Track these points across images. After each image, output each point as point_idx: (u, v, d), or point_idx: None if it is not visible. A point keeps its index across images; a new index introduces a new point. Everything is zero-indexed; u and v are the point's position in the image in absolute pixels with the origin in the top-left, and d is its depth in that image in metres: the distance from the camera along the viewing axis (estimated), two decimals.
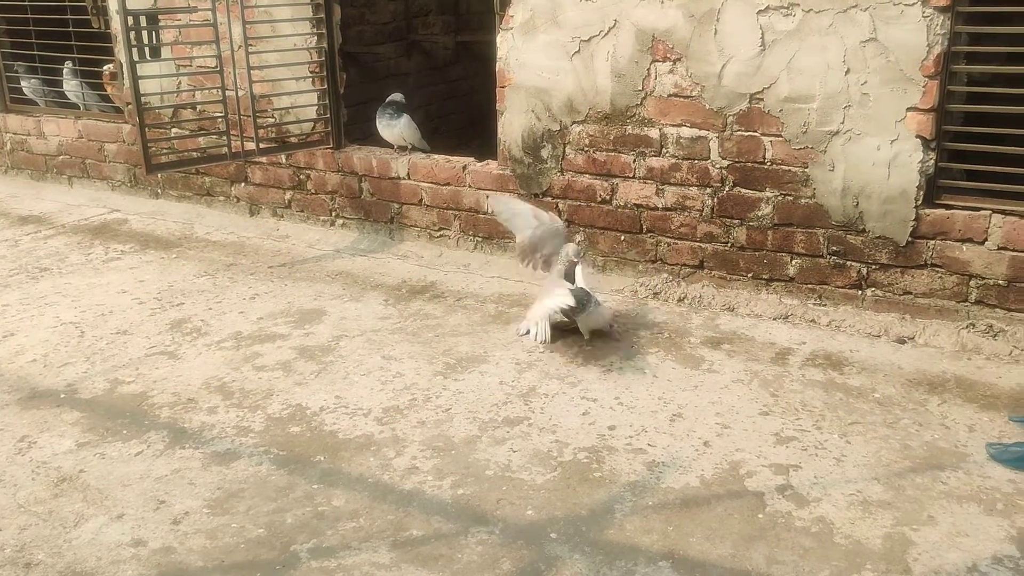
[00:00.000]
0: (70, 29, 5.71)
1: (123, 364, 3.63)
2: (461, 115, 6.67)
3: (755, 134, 3.85)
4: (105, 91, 5.93)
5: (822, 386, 3.34)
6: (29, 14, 5.86)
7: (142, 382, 3.47)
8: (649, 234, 4.22)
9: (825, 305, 3.90)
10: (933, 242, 3.63)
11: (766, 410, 3.18)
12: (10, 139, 6.33)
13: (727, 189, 3.98)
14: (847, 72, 3.59)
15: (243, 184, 5.43)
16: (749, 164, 3.90)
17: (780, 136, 3.79)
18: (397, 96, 4.91)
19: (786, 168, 3.83)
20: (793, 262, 3.93)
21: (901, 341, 3.66)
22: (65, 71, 5.99)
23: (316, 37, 4.87)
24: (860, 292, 3.83)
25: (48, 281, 4.56)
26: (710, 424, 3.10)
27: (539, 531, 2.56)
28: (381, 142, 5.03)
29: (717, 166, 3.97)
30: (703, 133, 3.96)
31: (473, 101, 6.71)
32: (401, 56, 6.17)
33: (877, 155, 3.63)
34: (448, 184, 4.73)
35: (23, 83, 6.21)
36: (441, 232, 4.83)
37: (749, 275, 4.04)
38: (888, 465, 2.84)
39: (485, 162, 4.67)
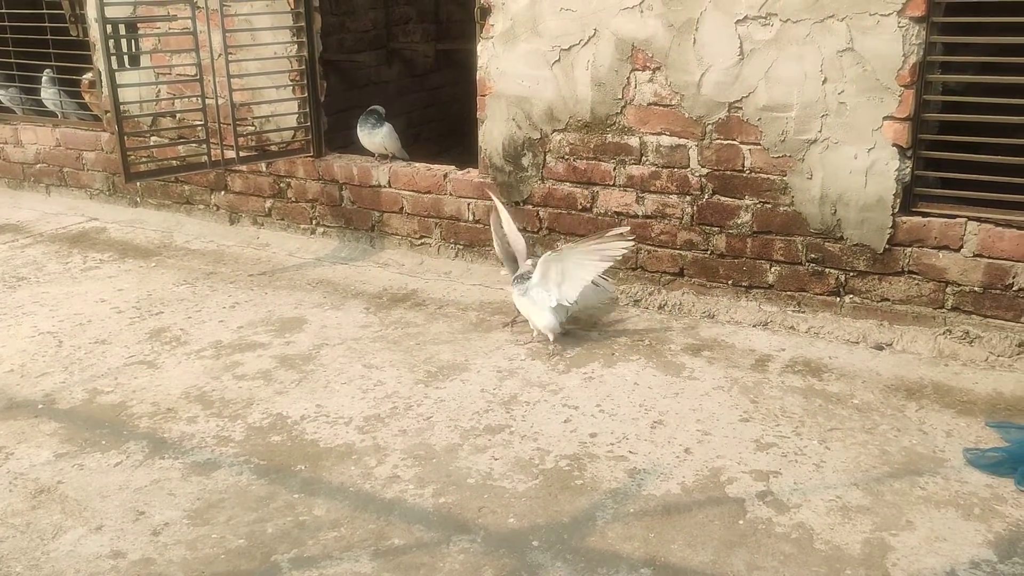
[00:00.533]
0: (48, 37, 5.66)
1: (102, 374, 3.60)
2: (441, 123, 6.68)
3: (734, 142, 3.88)
4: (83, 99, 5.90)
5: (801, 392, 3.36)
6: (6, 21, 5.81)
7: (121, 392, 3.45)
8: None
9: (804, 312, 3.93)
10: (910, 249, 3.67)
11: (746, 417, 3.20)
12: None
13: (706, 197, 4.00)
14: (824, 81, 3.63)
15: (223, 192, 5.41)
16: (728, 172, 3.93)
17: (759, 144, 3.82)
18: (376, 107, 4.90)
19: (765, 176, 3.86)
20: (772, 269, 3.96)
21: (879, 347, 3.69)
22: (44, 79, 5.94)
23: (296, 45, 4.87)
24: (838, 299, 3.86)
25: (25, 290, 4.51)
26: (691, 431, 3.11)
27: (521, 539, 2.56)
28: (362, 150, 5.03)
29: (696, 174, 3.99)
30: (682, 141, 3.98)
31: (453, 109, 6.72)
32: (382, 64, 6.17)
33: (854, 163, 3.66)
34: (429, 192, 4.73)
35: (0, 91, 6.16)
36: (422, 240, 4.83)
37: (729, 282, 4.06)
38: (867, 471, 2.86)
39: (466, 170, 4.67)
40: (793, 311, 3.94)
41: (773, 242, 3.92)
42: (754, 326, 3.92)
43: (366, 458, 2.99)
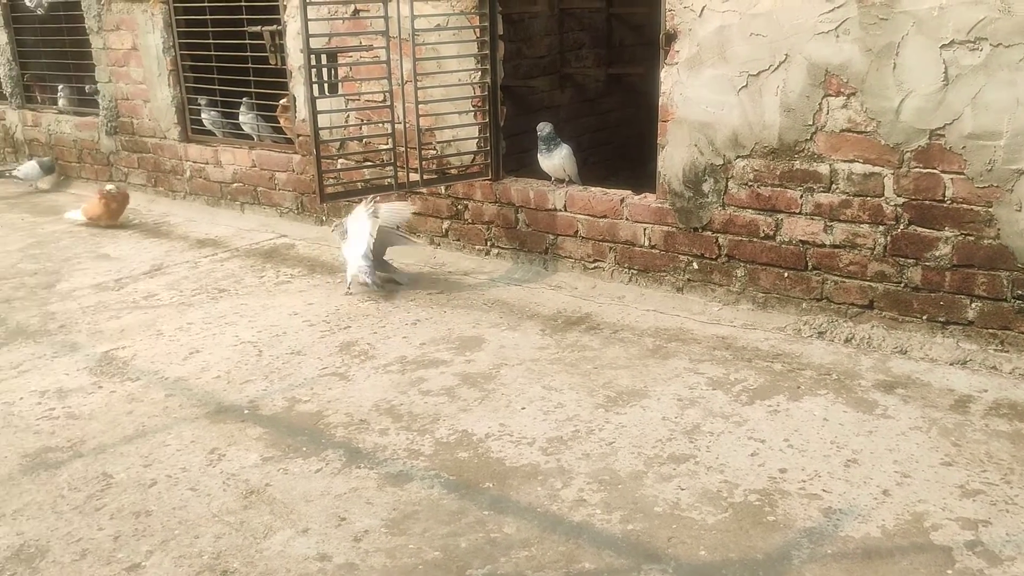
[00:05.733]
0: (249, 65, 6.07)
1: (299, 383, 3.81)
2: (610, 146, 6.71)
3: (934, 171, 3.71)
4: (278, 123, 6.28)
5: (1008, 437, 3.16)
6: (212, 51, 6.28)
7: (317, 402, 3.63)
8: (815, 271, 4.12)
9: (1007, 351, 3.69)
10: None
11: (948, 460, 3.03)
12: (190, 167, 6.79)
13: (901, 227, 3.84)
14: None
15: None
16: (927, 202, 3.76)
17: (962, 174, 3.64)
18: (545, 126, 4.94)
19: (967, 207, 3.67)
20: (973, 305, 3.75)
21: None
22: (242, 105, 6.38)
23: (480, 72, 5.02)
24: None
25: (227, 301, 4.84)
26: (888, 472, 2.98)
27: (714, 572, 2.53)
28: (535, 174, 5.12)
29: (891, 203, 3.84)
30: (877, 169, 3.84)
31: (622, 132, 6.75)
32: (555, 89, 6.27)
33: None
34: (604, 216, 4.76)
35: (203, 115, 6.64)
36: (596, 264, 4.86)
37: (923, 317, 3.88)
38: None
39: (643, 195, 4.67)
40: (995, 350, 3.71)
41: (975, 276, 3.71)
42: (951, 364, 3.72)
43: (551, 480, 3.02)
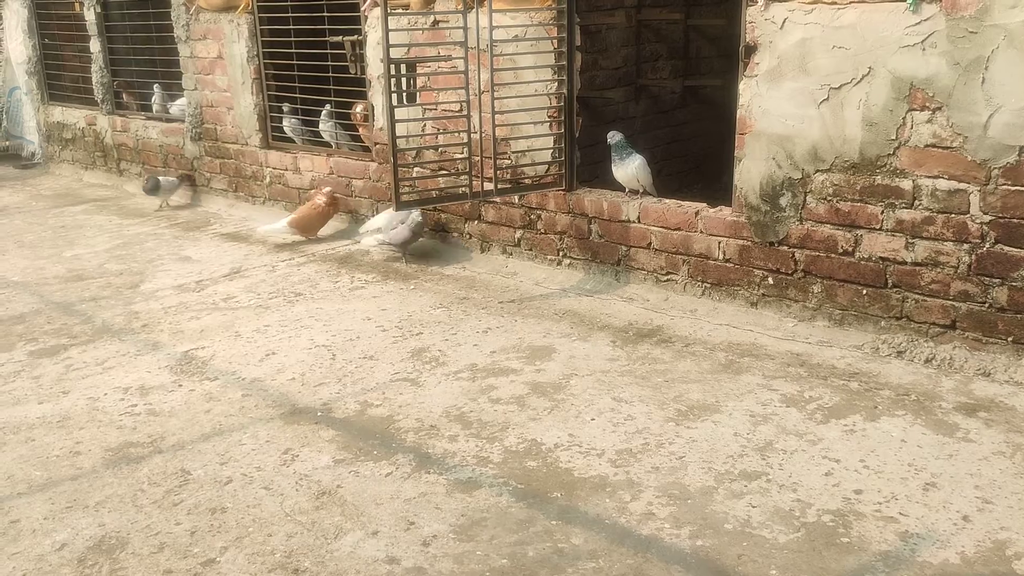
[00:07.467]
0: (329, 75, 6.20)
1: (371, 388, 3.86)
2: (684, 159, 6.66)
3: (1023, 189, 3.59)
4: (356, 131, 6.40)
5: None
6: (294, 60, 6.43)
7: (388, 406, 3.68)
8: (895, 289, 4.02)
9: None
10: None
11: None
12: (269, 173, 6.95)
13: (987, 246, 3.72)
14: None
15: (476, 222, 5.67)
16: (1015, 220, 3.64)
17: None
18: (616, 134, 4.94)
19: None
20: None
21: None
22: (323, 113, 6.52)
23: (557, 83, 5.04)
24: None
25: (302, 305, 4.94)
26: (969, 497, 2.89)
27: None
28: (608, 185, 5.10)
29: (977, 221, 3.73)
30: (962, 186, 3.74)
31: (696, 145, 6.69)
32: (630, 100, 6.25)
33: None
34: (679, 229, 4.72)
35: (284, 122, 6.80)
36: (668, 276, 4.82)
37: (1009, 339, 3.75)
38: None
39: (718, 208, 4.62)
40: None
41: None
42: None
43: (620, 492, 3.01)
